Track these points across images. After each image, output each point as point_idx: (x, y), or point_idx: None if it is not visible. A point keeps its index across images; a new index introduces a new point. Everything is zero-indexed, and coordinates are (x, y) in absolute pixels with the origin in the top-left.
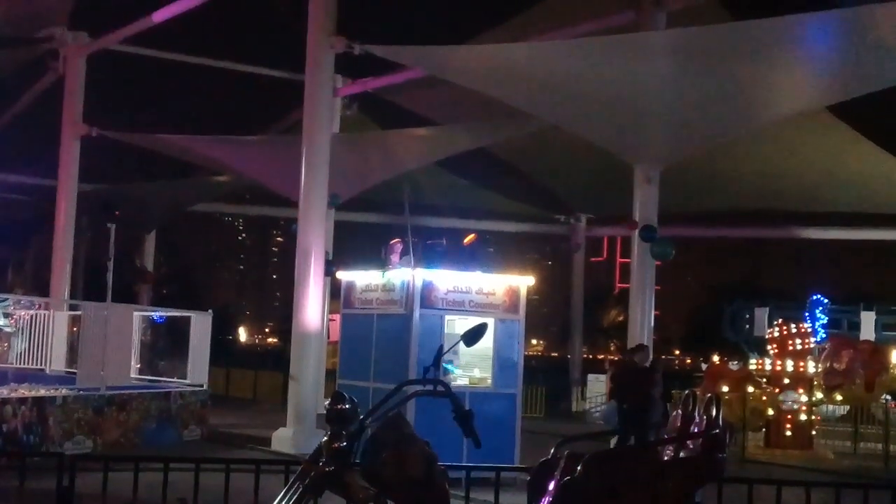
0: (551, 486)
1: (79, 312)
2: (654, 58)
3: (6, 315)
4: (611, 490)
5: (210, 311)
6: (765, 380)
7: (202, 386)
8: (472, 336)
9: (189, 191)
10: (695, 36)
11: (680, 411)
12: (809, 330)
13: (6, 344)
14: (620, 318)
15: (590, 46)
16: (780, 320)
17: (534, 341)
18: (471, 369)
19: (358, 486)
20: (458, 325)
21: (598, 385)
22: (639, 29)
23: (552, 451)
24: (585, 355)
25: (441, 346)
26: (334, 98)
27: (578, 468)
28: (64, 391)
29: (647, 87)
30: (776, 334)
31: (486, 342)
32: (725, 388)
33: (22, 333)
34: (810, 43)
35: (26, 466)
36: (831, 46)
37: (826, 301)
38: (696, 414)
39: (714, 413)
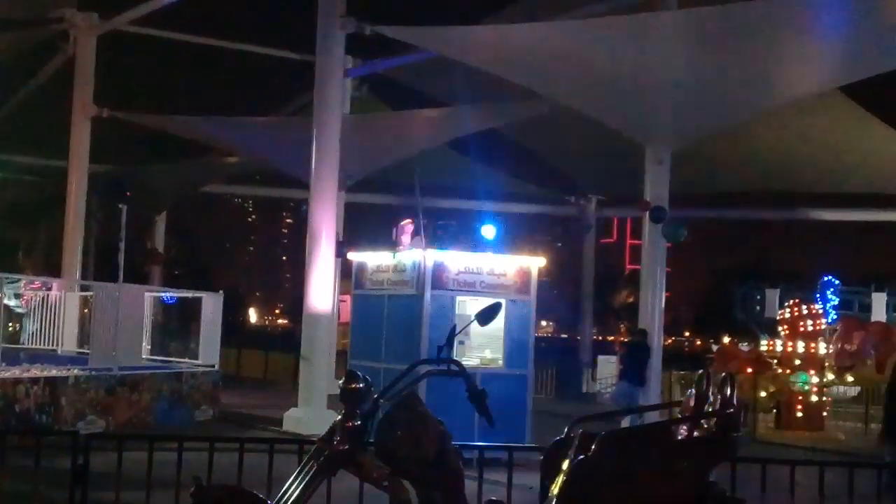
0: (565, 465)
1: (90, 293)
2: (665, 38)
3: (18, 296)
4: (625, 469)
5: (221, 291)
6: (776, 361)
7: (213, 366)
8: (487, 315)
9: (200, 172)
10: (706, 16)
11: (694, 391)
12: (820, 311)
13: (18, 325)
14: (631, 300)
15: (601, 26)
16: (791, 302)
17: (544, 323)
18: (482, 350)
19: (372, 466)
20: (470, 305)
21: (608, 366)
22: (650, 9)
23: (566, 430)
24: (596, 337)
25: (454, 326)
26: (345, 79)
27: (592, 447)
28: (76, 371)
29: (659, 67)
30: (787, 316)
31: (498, 323)
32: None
33: (34, 314)
34: (823, 23)
35: (40, 446)
36: (844, 26)
37: (837, 282)
38: (710, 393)
39: (728, 392)
